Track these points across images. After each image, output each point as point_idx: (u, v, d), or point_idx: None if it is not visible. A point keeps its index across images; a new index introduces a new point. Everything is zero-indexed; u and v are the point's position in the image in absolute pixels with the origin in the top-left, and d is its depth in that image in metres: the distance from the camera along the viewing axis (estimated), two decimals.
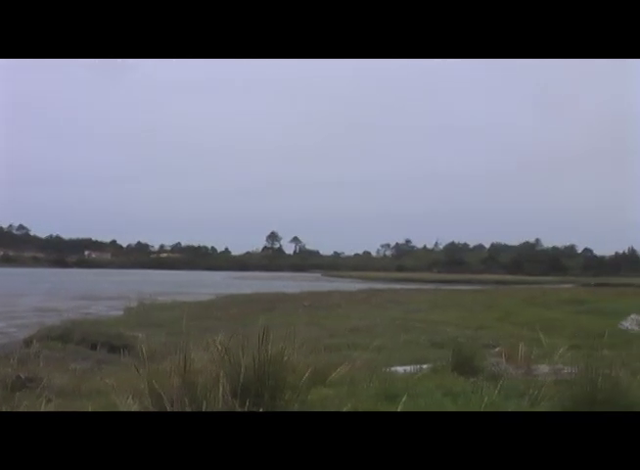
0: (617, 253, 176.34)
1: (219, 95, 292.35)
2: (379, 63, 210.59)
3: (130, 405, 5.95)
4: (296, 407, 6.30)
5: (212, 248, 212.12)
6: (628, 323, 19.92)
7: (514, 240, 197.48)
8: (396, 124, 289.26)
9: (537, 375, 9.16)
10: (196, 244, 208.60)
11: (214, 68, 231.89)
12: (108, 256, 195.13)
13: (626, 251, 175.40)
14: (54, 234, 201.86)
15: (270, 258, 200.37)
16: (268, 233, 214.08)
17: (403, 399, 6.41)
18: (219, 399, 5.88)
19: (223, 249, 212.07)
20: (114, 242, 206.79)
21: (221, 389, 5.94)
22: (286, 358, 6.68)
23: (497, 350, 12.13)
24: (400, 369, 9.95)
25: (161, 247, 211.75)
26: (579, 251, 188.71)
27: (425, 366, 10.15)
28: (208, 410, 5.65)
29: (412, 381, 8.44)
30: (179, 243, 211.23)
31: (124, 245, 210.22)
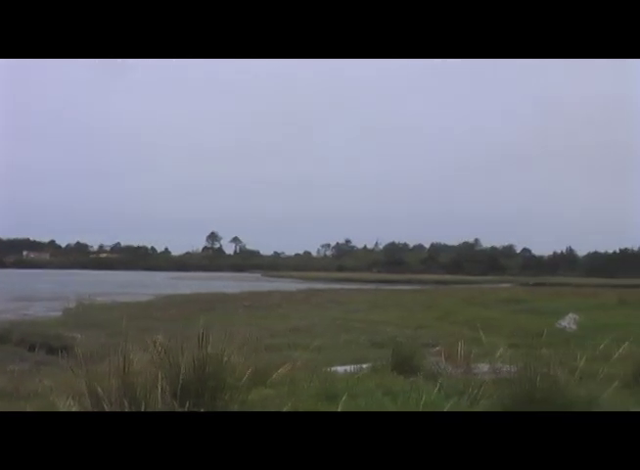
0: (554, 253, 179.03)
1: (163, 94, 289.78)
2: (334, 63, 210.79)
3: (70, 407, 5.89)
4: (235, 408, 6.28)
5: (152, 248, 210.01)
6: (566, 322, 20.27)
7: (453, 240, 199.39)
8: (340, 124, 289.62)
9: (477, 374, 9.26)
10: (135, 244, 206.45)
11: (165, 67, 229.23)
12: (47, 256, 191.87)
13: (564, 251, 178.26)
14: None
15: (210, 259, 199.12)
16: (208, 233, 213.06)
17: (343, 398, 6.44)
18: (159, 400, 5.84)
19: (163, 249, 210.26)
20: (52, 242, 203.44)
21: (160, 390, 5.90)
22: (226, 359, 6.66)
23: (437, 349, 12.24)
24: (341, 369, 9.98)
25: (101, 247, 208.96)
26: (518, 251, 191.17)
27: (365, 366, 10.20)
28: (149, 410, 5.62)
29: (352, 381, 8.48)
30: (119, 243, 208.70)
31: (63, 245, 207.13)
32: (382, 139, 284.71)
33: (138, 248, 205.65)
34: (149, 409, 5.67)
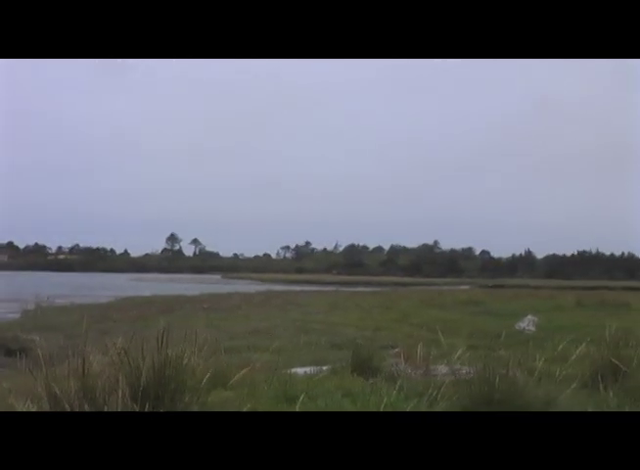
0: (513, 255, 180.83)
1: (119, 95, 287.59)
2: (294, 63, 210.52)
3: (29, 409, 5.84)
4: (195, 410, 6.25)
5: (111, 250, 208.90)
6: (524, 324, 20.47)
7: (413, 242, 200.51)
8: (299, 126, 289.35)
9: (436, 375, 9.31)
10: (94, 245, 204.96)
11: (122, 67, 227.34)
12: (4, 258, 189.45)
13: (523, 253, 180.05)
14: None
15: (170, 260, 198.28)
16: (168, 235, 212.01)
17: (301, 399, 6.45)
18: (119, 402, 5.80)
19: (122, 251, 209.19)
20: (10, 244, 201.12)
21: (121, 392, 5.86)
22: (185, 361, 6.64)
23: (396, 350, 12.29)
24: (300, 371, 9.98)
25: (59, 248, 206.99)
26: (477, 253, 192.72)
27: (325, 368, 10.21)
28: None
29: (312, 382, 8.48)
30: (78, 244, 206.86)
31: (21, 246, 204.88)
32: (341, 140, 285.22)
33: (97, 249, 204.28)
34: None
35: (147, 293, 48.98)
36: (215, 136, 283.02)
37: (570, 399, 7.11)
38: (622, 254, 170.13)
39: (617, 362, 8.70)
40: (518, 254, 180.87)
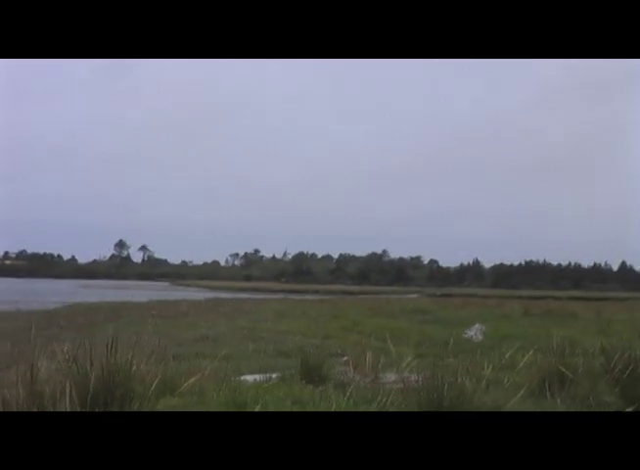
0: (461, 264, 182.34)
1: (67, 96, 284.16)
2: (239, 66, 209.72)
3: None
4: None
5: (59, 255, 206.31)
6: (472, 332, 20.67)
7: (361, 251, 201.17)
8: (247, 129, 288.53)
9: (385, 383, 9.36)
10: (42, 251, 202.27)
11: (49, 67, 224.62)
12: None
13: (471, 262, 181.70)
14: None
15: (118, 267, 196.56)
16: (116, 241, 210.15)
17: (257, 407, 6.46)
18: (67, 409, 5.76)
19: (70, 257, 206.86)
20: None
21: (69, 398, 5.82)
22: (134, 368, 6.61)
23: (345, 359, 12.33)
24: (249, 378, 9.98)
25: (6, 254, 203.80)
26: (425, 262, 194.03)
27: (274, 375, 10.22)
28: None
29: (261, 390, 8.49)
30: (24, 250, 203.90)
31: None
32: (288, 147, 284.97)
33: (44, 255, 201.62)
34: None
35: (94, 299, 48.45)
36: (163, 141, 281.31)
37: (517, 407, 7.21)
38: (569, 264, 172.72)
39: (563, 370, 8.84)
40: (466, 263, 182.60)
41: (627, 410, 7.07)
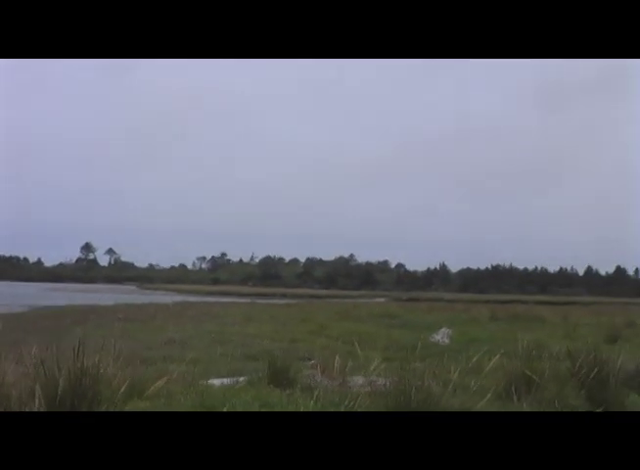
0: (428, 268, 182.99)
1: (36, 95, 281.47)
2: (207, 68, 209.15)
3: None
4: None
5: (24, 258, 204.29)
6: (439, 336, 20.75)
7: (329, 255, 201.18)
8: (216, 133, 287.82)
9: (352, 387, 9.38)
10: (7, 254, 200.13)
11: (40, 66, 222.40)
12: None
13: (438, 266, 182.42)
14: None
15: (85, 270, 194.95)
16: (82, 244, 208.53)
17: (225, 409, 6.45)
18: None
19: (35, 259, 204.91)
20: None
21: (37, 401, 5.80)
22: (101, 371, 6.60)
23: (312, 362, 12.33)
24: (217, 382, 9.96)
25: None
26: (393, 266, 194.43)
27: (241, 379, 10.21)
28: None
29: (229, 393, 8.49)
30: None
31: None
32: (256, 150, 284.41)
33: (10, 258, 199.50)
34: None
35: (61, 303, 48.10)
36: (131, 142, 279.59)
37: (484, 410, 7.26)
38: (535, 268, 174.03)
39: (530, 374, 8.92)
40: (433, 267, 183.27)
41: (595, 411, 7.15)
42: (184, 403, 7.76)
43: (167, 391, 8.21)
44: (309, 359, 13.37)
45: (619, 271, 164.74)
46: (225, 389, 9.09)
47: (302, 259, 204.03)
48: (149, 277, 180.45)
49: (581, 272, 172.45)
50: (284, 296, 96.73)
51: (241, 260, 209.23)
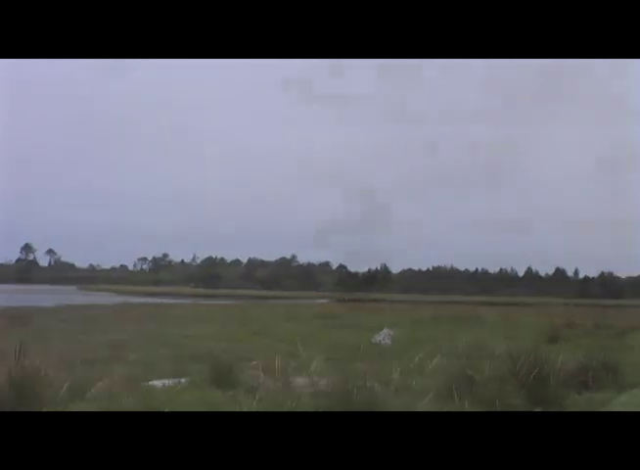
0: (370, 269, 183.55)
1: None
2: (138, 70, 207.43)
3: None
4: None
5: None
6: (381, 337, 20.85)
7: (270, 256, 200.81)
8: (150, 134, 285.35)
9: (295, 387, 9.40)
10: None
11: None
12: None
13: (379, 268, 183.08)
14: None
15: (24, 271, 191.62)
16: (22, 244, 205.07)
17: (166, 410, 6.42)
18: None
19: None
20: None
21: None
22: (42, 373, 6.53)
23: (254, 363, 12.33)
24: (159, 383, 9.91)
25: None
26: (334, 267, 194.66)
27: (183, 380, 10.17)
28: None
29: (171, 394, 8.45)
30: None
31: None
32: (194, 149, 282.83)
33: None
34: None
35: (0, 304, 47.36)
36: (67, 141, 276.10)
37: (426, 410, 7.32)
38: (476, 269, 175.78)
39: (471, 374, 9.02)
40: (374, 268, 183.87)
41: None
42: (126, 405, 7.70)
43: (109, 392, 8.15)
44: (251, 360, 13.36)
45: (559, 272, 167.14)
46: (167, 390, 9.05)
47: (244, 260, 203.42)
48: (90, 278, 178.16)
49: (521, 273, 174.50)
50: (227, 296, 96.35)
51: (182, 261, 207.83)
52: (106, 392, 7.99)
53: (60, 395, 6.50)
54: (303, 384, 9.56)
